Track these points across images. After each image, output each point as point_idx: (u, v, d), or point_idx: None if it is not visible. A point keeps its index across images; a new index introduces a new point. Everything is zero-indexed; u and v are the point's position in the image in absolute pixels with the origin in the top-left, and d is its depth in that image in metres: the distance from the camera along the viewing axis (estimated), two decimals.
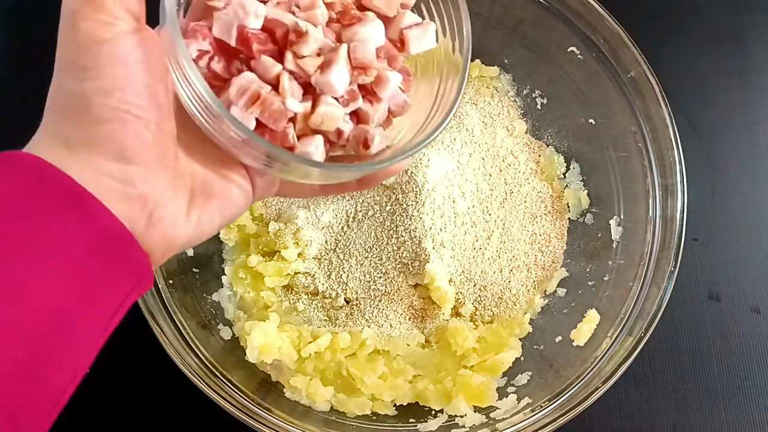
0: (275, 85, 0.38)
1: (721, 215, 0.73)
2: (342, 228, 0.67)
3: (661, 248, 0.62)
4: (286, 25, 0.38)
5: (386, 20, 0.41)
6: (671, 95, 0.64)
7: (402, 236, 0.66)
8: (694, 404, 0.68)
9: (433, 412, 0.63)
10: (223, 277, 0.67)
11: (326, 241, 0.67)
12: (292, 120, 0.39)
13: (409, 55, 0.43)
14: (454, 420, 0.61)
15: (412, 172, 0.66)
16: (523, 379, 0.64)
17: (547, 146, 0.73)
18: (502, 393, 0.62)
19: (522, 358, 0.65)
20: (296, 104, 0.38)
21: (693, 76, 0.76)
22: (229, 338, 0.64)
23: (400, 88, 0.41)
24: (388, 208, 0.66)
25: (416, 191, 0.65)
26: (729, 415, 0.67)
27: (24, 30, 0.77)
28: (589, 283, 0.67)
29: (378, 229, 0.66)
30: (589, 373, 0.59)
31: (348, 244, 0.67)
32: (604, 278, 0.66)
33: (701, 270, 0.71)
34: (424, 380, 0.64)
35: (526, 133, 0.74)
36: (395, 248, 0.66)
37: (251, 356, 0.60)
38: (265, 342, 0.60)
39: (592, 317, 0.63)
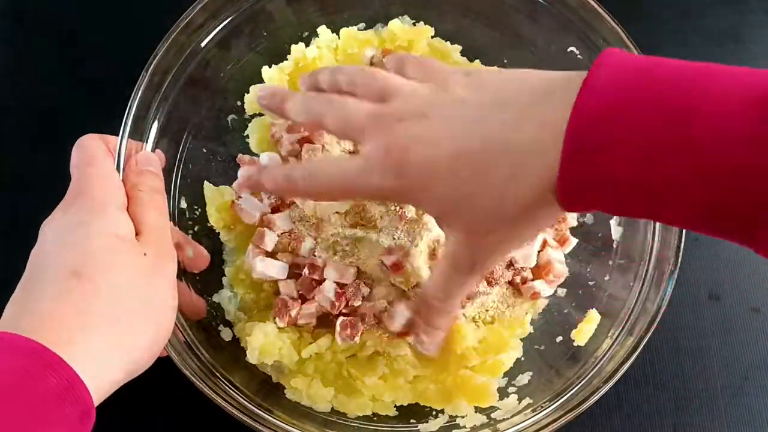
0: None
1: None
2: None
3: (661, 248, 0.62)
4: None
5: None
6: None
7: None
8: (694, 404, 0.68)
9: (434, 413, 0.63)
10: (224, 278, 0.67)
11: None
12: None
13: None
14: (454, 420, 0.61)
15: None
16: (524, 379, 0.63)
17: None
18: (502, 393, 0.62)
19: (523, 359, 0.65)
20: None
21: None
22: (230, 339, 0.64)
23: None
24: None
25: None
26: (729, 415, 0.67)
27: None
28: (590, 283, 0.67)
29: None
30: (589, 373, 0.59)
31: None
32: (605, 278, 0.66)
33: (701, 270, 0.71)
34: (424, 380, 0.63)
35: None
36: None
37: (252, 357, 0.60)
38: (266, 343, 0.60)
39: (593, 317, 0.63)
